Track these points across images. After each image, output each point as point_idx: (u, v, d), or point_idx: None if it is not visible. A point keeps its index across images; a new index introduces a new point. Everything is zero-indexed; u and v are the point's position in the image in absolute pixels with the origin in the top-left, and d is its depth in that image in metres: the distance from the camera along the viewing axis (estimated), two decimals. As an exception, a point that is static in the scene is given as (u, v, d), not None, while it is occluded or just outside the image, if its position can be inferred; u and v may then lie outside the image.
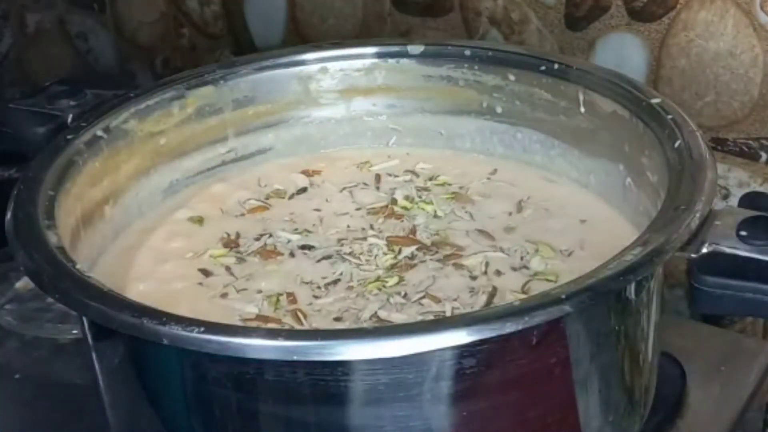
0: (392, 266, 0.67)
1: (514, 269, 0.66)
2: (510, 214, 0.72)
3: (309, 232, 0.71)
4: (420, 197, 0.74)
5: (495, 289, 0.64)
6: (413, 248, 0.68)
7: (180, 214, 0.74)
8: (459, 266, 0.66)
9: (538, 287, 0.64)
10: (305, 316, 0.62)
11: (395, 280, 0.65)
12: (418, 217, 0.72)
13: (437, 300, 0.63)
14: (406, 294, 0.64)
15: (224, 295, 0.65)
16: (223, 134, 0.78)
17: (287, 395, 0.54)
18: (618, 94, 0.70)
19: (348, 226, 0.72)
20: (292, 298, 0.64)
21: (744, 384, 0.71)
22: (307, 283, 0.66)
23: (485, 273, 0.66)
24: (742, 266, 0.58)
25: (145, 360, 0.58)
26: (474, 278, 0.65)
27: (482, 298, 0.63)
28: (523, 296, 0.62)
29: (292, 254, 0.69)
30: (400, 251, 0.68)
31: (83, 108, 0.87)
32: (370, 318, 0.62)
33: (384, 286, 0.65)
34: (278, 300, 0.64)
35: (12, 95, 1.18)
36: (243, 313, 0.63)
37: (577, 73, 0.73)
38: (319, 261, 0.68)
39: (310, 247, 0.69)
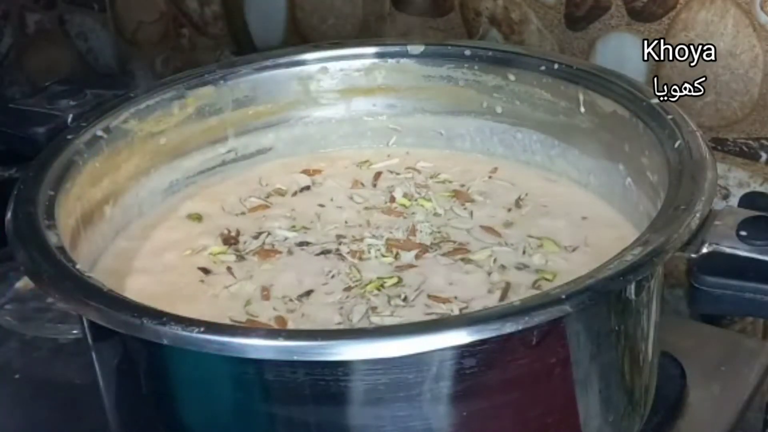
0: (394, 266, 0.67)
1: (519, 267, 0.66)
2: (509, 210, 0.72)
3: (307, 229, 0.71)
4: (420, 194, 0.74)
5: (508, 284, 0.64)
6: (414, 252, 0.68)
7: (180, 213, 0.75)
8: (467, 261, 0.66)
9: (543, 285, 0.64)
10: (301, 315, 0.63)
11: (394, 280, 0.65)
12: (417, 214, 0.72)
13: (444, 300, 0.63)
14: (405, 297, 0.64)
15: (218, 297, 0.65)
16: (223, 134, 0.78)
17: (287, 395, 0.54)
18: (618, 94, 0.70)
19: (345, 222, 0.72)
20: (286, 297, 0.65)
21: (744, 384, 0.71)
22: (302, 282, 0.66)
23: (490, 272, 0.66)
24: (742, 266, 0.58)
25: (144, 360, 0.58)
26: (484, 273, 0.65)
27: (496, 294, 0.63)
28: (535, 292, 0.63)
29: (290, 252, 0.69)
30: (397, 255, 0.68)
31: (83, 108, 0.87)
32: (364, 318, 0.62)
33: (383, 286, 0.65)
34: (262, 300, 0.64)
35: (12, 95, 1.18)
36: (234, 314, 0.63)
37: (577, 73, 0.73)
38: (317, 255, 0.68)
39: (307, 244, 0.69)
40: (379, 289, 0.64)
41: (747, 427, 0.71)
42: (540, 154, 0.77)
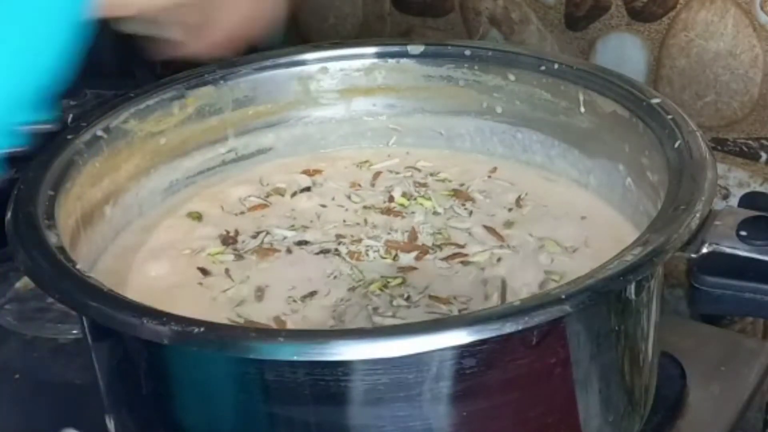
0: (395, 267, 0.67)
1: (522, 268, 0.66)
2: (510, 210, 0.72)
3: (306, 228, 0.71)
4: (419, 193, 0.74)
5: (505, 283, 0.64)
6: (414, 254, 0.68)
7: (180, 213, 0.75)
8: (467, 263, 0.66)
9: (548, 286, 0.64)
10: (302, 317, 0.63)
11: (398, 281, 0.65)
12: (417, 214, 0.72)
13: (445, 301, 0.63)
14: (409, 296, 0.64)
15: (217, 297, 0.65)
16: (223, 134, 0.78)
17: (287, 395, 0.54)
18: (618, 94, 0.70)
19: (344, 221, 0.72)
20: (285, 297, 0.65)
21: (744, 384, 0.71)
22: (300, 282, 0.66)
23: (485, 271, 0.66)
24: (742, 266, 0.58)
25: (144, 360, 0.58)
26: (482, 273, 0.65)
27: (494, 296, 0.63)
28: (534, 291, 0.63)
29: (289, 251, 0.69)
30: (396, 256, 0.68)
31: (83, 108, 0.87)
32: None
33: (386, 286, 0.65)
34: (258, 298, 0.64)
35: (12, 95, 1.17)
36: (233, 314, 0.63)
37: (577, 73, 0.73)
38: (316, 254, 0.68)
39: (306, 243, 0.70)
40: (381, 290, 0.64)
41: (747, 427, 0.71)
42: (540, 154, 0.77)
